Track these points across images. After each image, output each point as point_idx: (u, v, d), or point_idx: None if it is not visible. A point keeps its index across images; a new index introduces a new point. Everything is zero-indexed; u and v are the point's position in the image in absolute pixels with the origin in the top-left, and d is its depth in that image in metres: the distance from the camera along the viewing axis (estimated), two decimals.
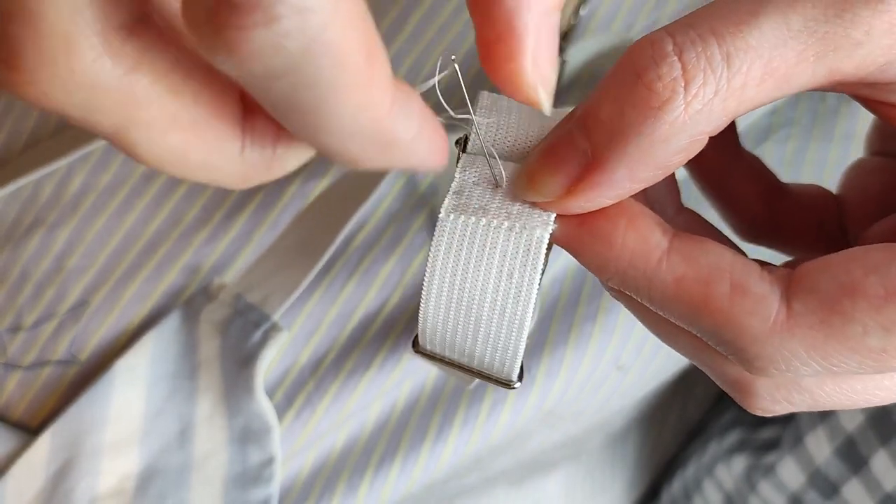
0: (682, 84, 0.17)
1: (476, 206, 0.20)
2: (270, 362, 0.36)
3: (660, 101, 0.17)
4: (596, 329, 0.38)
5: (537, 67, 0.18)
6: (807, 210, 0.25)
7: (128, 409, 0.35)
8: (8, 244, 0.38)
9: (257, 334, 0.35)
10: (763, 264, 0.19)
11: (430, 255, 0.20)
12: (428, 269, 0.20)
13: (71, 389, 0.36)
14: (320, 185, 0.37)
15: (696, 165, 0.25)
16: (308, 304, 0.37)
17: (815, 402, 0.20)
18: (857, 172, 0.26)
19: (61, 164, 0.37)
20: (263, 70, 0.13)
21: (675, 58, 0.17)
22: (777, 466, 0.41)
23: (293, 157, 0.19)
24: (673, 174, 0.22)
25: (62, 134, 0.39)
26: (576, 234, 0.19)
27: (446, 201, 0.20)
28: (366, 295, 0.37)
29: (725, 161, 0.25)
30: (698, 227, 0.24)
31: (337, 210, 0.36)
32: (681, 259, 0.18)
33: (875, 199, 0.25)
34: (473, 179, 0.21)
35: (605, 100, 0.18)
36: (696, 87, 0.17)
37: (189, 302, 0.36)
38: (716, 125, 0.17)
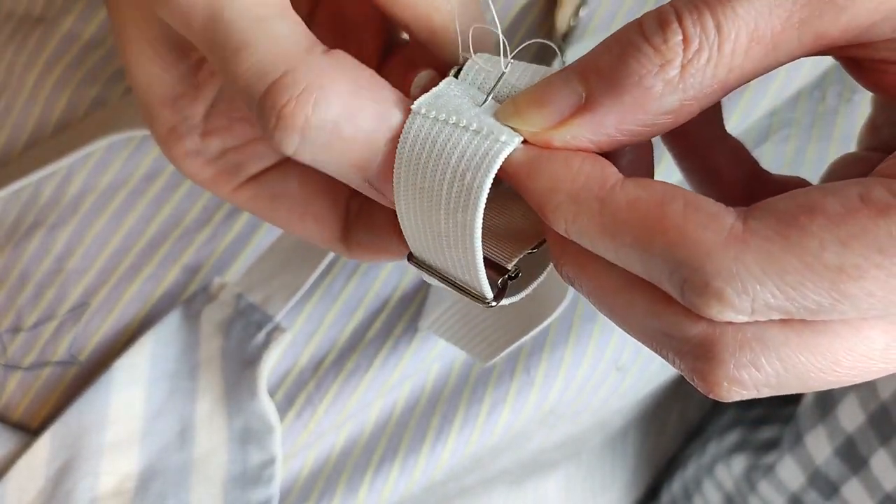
0: (683, 47, 0.18)
1: (451, 109, 0.20)
2: (272, 363, 0.36)
3: (662, 60, 0.18)
4: (595, 329, 0.38)
5: None
6: None
7: (128, 409, 0.35)
8: (8, 245, 0.38)
9: (260, 336, 0.35)
10: None
11: (398, 149, 0.20)
12: (395, 165, 0.20)
13: (71, 390, 0.36)
14: None
15: (683, 146, 0.25)
16: (308, 305, 0.37)
17: (783, 366, 0.19)
18: (837, 167, 0.26)
19: (61, 164, 0.37)
20: None
21: (677, 25, 0.18)
22: (777, 466, 0.41)
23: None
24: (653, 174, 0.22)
25: (62, 135, 0.39)
26: (536, 155, 0.20)
27: (422, 97, 0.20)
28: (366, 295, 0.37)
29: (711, 143, 0.25)
30: None
31: None
32: (635, 185, 0.19)
33: None
34: (455, 93, 0.21)
35: (606, 53, 0.19)
36: (693, 52, 0.18)
37: (189, 301, 0.36)
38: (706, 92, 0.19)
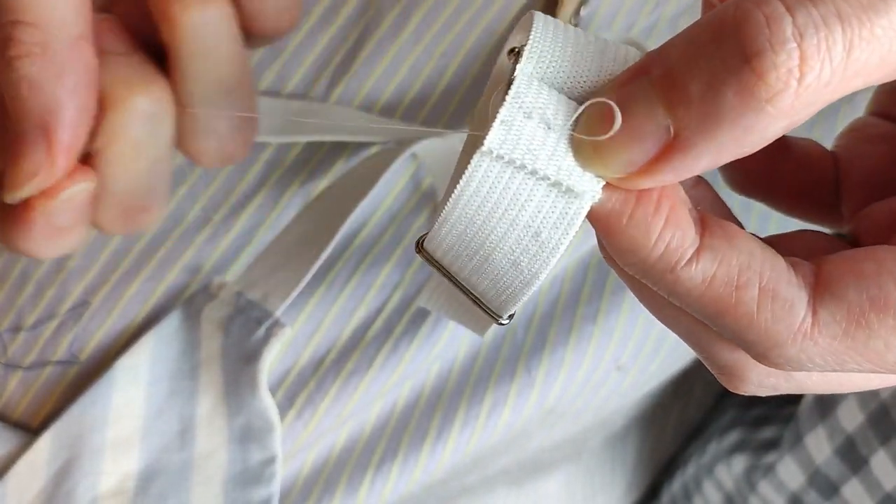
0: (798, 76, 0.15)
1: (525, 148, 0.18)
2: (272, 361, 0.36)
3: (770, 94, 0.15)
4: (596, 330, 0.38)
5: None
6: (805, 170, 0.24)
7: (128, 408, 0.35)
8: None
9: (260, 331, 0.35)
10: (788, 259, 0.18)
11: (463, 181, 0.18)
12: (454, 195, 0.18)
13: (71, 389, 0.36)
14: (321, 185, 0.37)
15: None
16: (308, 305, 0.37)
17: (798, 388, 0.20)
18: (861, 136, 0.24)
19: None
20: None
21: (795, 44, 0.15)
22: (777, 466, 0.41)
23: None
24: None
25: None
26: (616, 211, 0.18)
27: (493, 132, 0.18)
28: (366, 295, 0.37)
29: None
30: (710, 202, 0.22)
31: (337, 208, 0.36)
32: (712, 258, 0.18)
33: (880, 173, 0.23)
34: (525, 111, 0.18)
35: (697, 72, 0.16)
36: (812, 79, 0.15)
37: (190, 301, 0.36)
38: (814, 111, 0.16)
